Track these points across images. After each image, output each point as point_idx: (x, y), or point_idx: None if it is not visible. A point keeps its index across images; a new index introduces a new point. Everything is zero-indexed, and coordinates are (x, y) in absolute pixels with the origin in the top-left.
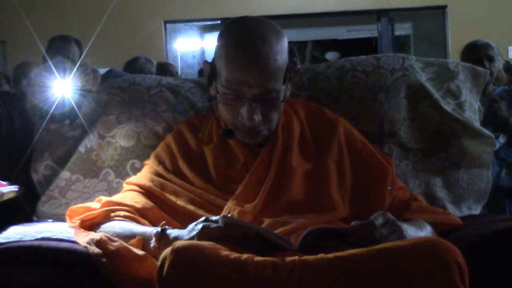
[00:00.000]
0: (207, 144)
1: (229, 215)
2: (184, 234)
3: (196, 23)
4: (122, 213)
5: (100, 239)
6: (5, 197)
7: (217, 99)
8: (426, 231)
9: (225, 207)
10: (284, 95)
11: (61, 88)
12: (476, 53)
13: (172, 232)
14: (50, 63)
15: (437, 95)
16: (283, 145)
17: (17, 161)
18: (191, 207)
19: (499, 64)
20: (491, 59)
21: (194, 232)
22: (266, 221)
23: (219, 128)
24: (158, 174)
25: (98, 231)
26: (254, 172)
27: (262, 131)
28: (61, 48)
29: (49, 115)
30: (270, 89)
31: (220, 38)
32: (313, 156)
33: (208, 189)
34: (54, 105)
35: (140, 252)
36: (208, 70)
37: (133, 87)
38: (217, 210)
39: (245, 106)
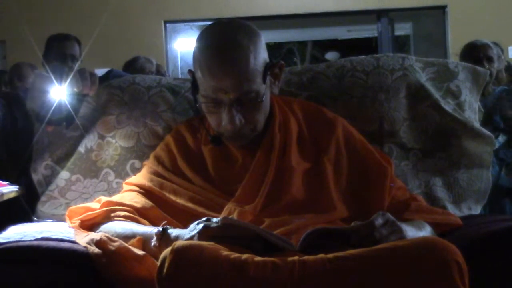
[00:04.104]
0: (206, 145)
1: (230, 217)
2: (185, 233)
3: (196, 23)
4: (122, 213)
5: (100, 239)
6: (5, 197)
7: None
8: (426, 231)
9: (225, 208)
10: (269, 92)
11: (59, 93)
12: (476, 53)
13: (173, 231)
14: (47, 67)
15: (437, 95)
16: (281, 144)
17: (19, 161)
18: (191, 205)
19: (499, 64)
20: (490, 59)
21: (195, 231)
22: (267, 221)
23: (208, 136)
24: (157, 174)
25: (98, 231)
26: (253, 172)
27: (247, 133)
28: (63, 46)
29: (46, 119)
30: (246, 91)
31: (195, 48)
32: (312, 155)
33: (208, 188)
34: (51, 110)
35: (140, 252)
36: (191, 79)
37: (133, 87)
38: (218, 208)
39: (225, 111)
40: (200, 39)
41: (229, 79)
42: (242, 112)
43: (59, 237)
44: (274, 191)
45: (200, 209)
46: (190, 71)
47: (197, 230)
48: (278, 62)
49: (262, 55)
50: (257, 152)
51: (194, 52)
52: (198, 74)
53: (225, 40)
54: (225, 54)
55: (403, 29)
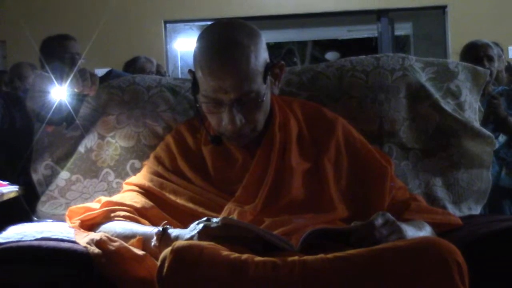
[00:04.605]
0: (206, 145)
1: (230, 217)
2: (185, 233)
3: (196, 23)
4: (122, 213)
5: (100, 239)
6: (5, 197)
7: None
8: (425, 231)
9: (225, 208)
10: (270, 92)
11: (59, 93)
12: (476, 52)
13: (173, 231)
14: (47, 68)
15: (437, 95)
16: (281, 144)
17: (18, 161)
18: (191, 205)
19: (500, 64)
20: (490, 59)
21: (195, 231)
22: (267, 221)
23: (208, 136)
24: (157, 174)
25: (98, 231)
26: (253, 172)
27: (247, 133)
28: (65, 45)
29: (47, 119)
30: (247, 91)
31: (195, 48)
32: (312, 155)
33: (208, 188)
34: (52, 110)
35: (140, 252)
36: (192, 79)
37: (133, 87)
38: (218, 208)
39: (225, 111)
40: (200, 39)
41: (230, 79)
42: (243, 112)
43: (59, 237)
44: (274, 191)
45: (200, 209)
46: (190, 71)
47: (197, 230)
48: (279, 62)
49: (263, 55)
50: (257, 152)
51: (195, 52)
52: (199, 74)
53: (225, 40)
54: (225, 54)
55: (403, 29)
